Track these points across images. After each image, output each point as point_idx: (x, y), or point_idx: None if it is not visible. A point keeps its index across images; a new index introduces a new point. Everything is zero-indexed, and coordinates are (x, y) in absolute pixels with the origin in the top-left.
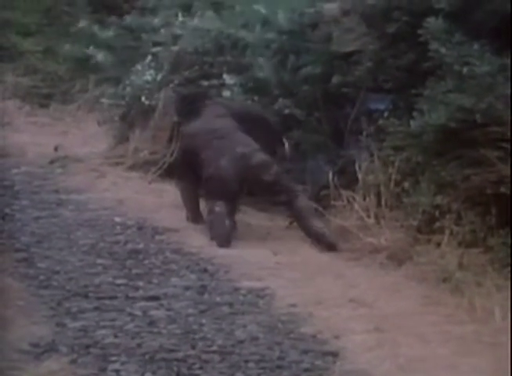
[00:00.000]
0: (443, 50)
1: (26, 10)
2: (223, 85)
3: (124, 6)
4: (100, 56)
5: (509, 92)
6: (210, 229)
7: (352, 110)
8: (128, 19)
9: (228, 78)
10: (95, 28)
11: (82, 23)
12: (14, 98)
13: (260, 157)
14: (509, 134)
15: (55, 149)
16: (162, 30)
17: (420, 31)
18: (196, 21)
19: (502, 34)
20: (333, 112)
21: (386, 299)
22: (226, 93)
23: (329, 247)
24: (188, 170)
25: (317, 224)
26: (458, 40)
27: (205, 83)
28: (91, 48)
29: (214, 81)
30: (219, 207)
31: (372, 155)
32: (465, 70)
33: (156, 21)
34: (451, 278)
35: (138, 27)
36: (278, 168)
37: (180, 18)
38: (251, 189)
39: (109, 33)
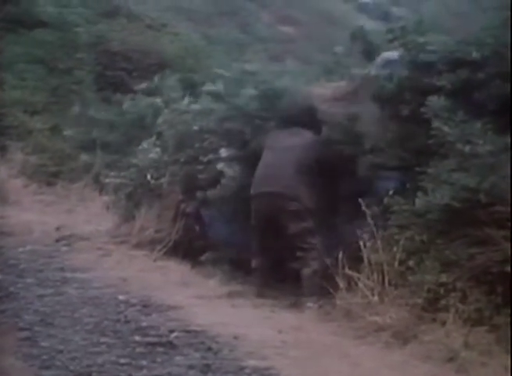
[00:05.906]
0: (446, 128)
1: (34, 89)
2: (219, 159)
3: (130, 84)
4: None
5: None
6: None
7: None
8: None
9: (223, 152)
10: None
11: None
12: (21, 176)
13: None
14: None
15: (57, 229)
16: (167, 111)
17: (422, 109)
18: (201, 101)
19: (503, 113)
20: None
21: None
22: (220, 166)
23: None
24: None
25: None
26: (461, 118)
27: (204, 159)
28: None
29: (211, 156)
30: None
31: (376, 234)
32: (467, 148)
33: (160, 101)
34: (456, 357)
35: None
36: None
37: (186, 99)
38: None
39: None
